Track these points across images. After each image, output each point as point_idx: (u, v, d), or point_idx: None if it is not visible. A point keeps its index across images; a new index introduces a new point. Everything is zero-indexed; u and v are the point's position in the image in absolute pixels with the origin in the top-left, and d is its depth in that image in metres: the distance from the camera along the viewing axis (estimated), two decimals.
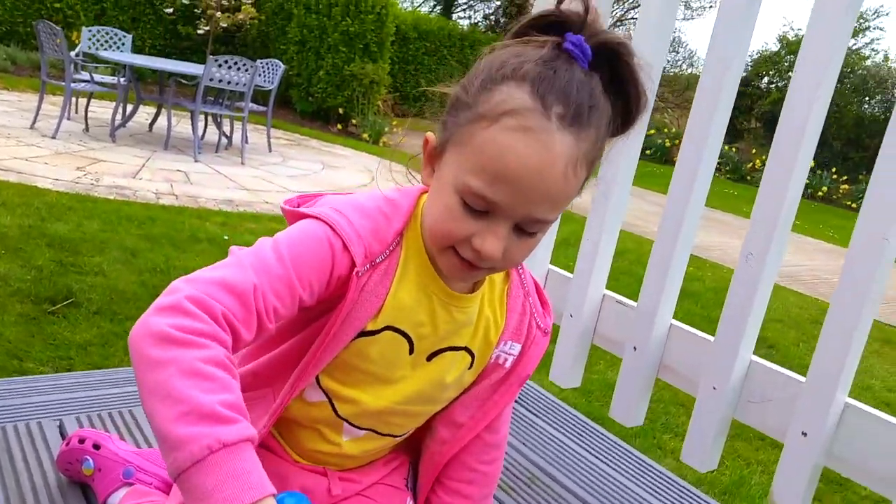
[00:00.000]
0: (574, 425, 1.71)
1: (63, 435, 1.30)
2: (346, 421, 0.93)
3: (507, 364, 0.94)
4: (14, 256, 3.23)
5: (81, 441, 1.17)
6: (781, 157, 1.23)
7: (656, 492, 1.49)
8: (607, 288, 1.59)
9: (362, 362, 0.88)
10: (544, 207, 0.76)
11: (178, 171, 5.53)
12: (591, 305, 1.58)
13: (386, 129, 9.70)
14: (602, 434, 1.69)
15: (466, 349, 0.92)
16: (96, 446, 1.17)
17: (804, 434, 1.22)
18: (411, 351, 0.89)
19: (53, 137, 5.69)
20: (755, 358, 1.33)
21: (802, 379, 1.24)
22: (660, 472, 1.57)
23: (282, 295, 0.77)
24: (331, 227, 0.81)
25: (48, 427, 1.31)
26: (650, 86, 0.81)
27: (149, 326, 0.70)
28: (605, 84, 0.77)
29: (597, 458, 1.57)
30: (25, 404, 1.48)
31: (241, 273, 0.75)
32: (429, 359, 0.90)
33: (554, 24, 0.77)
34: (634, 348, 1.46)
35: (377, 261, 0.84)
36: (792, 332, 4.63)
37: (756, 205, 1.27)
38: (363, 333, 0.86)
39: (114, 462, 1.15)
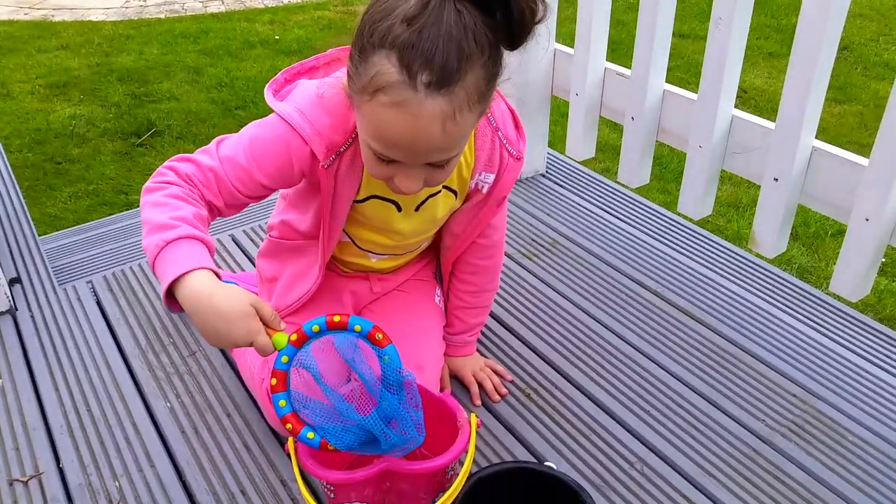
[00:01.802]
0: (590, 186, 1.90)
1: None
2: (367, 251, 1.18)
3: (485, 190, 1.12)
4: (92, 98, 3.52)
5: None
6: None
7: (668, 240, 1.70)
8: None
9: (364, 219, 1.10)
10: (439, 155, 0.87)
11: None
12: (594, 80, 1.68)
13: None
14: (617, 191, 1.88)
15: (446, 188, 1.09)
16: None
17: (776, 179, 1.36)
18: (399, 209, 1.09)
19: None
20: (736, 112, 1.44)
21: (773, 126, 1.36)
22: (671, 220, 1.77)
23: (242, 179, 0.99)
24: (296, 132, 0.96)
25: None
26: None
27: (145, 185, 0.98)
28: (490, 4, 0.80)
29: (613, 215, 1.78)
30: (136, 242, 1.81)
31: (209, 157, 0.99)
32: (416, 209, 1.10)
33: None
34: (633, 118, 1.59)
35: (341, 150, 0.98)
36: (872, 25, 4.40)
37: None
38: (357, 201, 1.06)
39: None
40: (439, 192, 1.09)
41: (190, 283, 0.85)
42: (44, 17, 4.57)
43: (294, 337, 0.87)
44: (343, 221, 1.08)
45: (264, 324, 0.87)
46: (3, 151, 2.14)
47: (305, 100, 0.99)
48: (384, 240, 1.14)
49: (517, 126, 1.11)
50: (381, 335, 0.87)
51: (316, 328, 0.87)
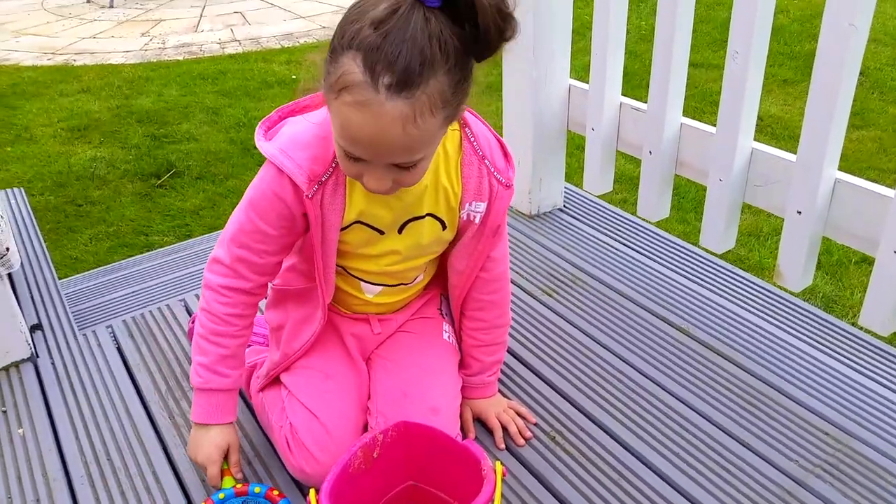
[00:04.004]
0: (609, 220, 1.88)
1: (188, 311, 1.62)
2: (360, 279, 1.18)
3: (477, 220, 1.12)
4: (112, 140, 3.57)
5: None
6: None
7: (691, 273, 1.68)
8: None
9: (348, 247, 1.11)
10: (402, 156, 0.89)
11: (235, 12, 5.61)
12: (610, 114, 1.68)
13: None
14: (637, 224, 1.86)
15: (431, 216, 1.10)
16: None
17: (799, 212, 1.34)
18: (381, 233, 1.10)
19: (111, 7, 5.84)
20: (756, 145, 1.43)
21: (794, 158, 1.34)
22: (693, 254, 1.75)
23: (259, 240, 1.08)
24: (276, 167, 1.02)
25: (176, 307, 1.63)
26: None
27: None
28: (459, 15, 0.83)
29: (633, 249, 1.76)
30: (156, 285, 1.82)
31: (225, 251, 1.10)
32: (399, 231, 1.10)
33: None
34: (650, 152, 1.58)
35: (323, 179, 1.02)
36: (887, 50, 4.38)
37: (735, 1, 1.31)
38: (341, 229, 1.08)
39: None
40: (423, 217, 1.10)
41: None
42: (66, 61, 4.67)
43: (239, 486, 1.09)
44: (334, 251, 1.09)
45: (228, 463, 1.12)
46: (25, 196, 2.17)
47: (287, 137, 1.04)
48: (371, 266, 1.15)
49: (506, 154, 1.13)
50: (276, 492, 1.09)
51: (258, 489, 1.08)
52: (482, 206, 1.11)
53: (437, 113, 0.86)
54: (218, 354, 1.11)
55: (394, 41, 0.81)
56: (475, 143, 1.08)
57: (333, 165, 1.02)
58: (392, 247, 1.12)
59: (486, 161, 1.09)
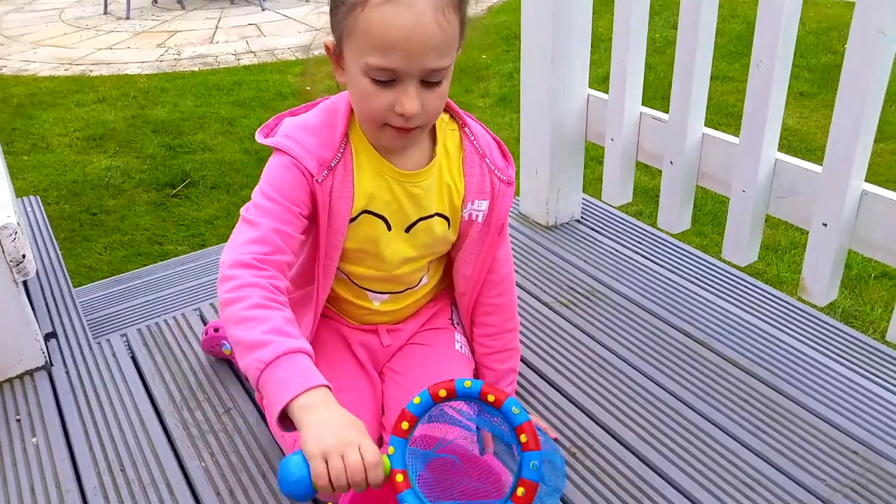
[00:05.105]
0: (627, 232, 1.86)
1: (203, 320, 1.61)
2: (367, 290, 1.17)
3: (480, 219, 1.13)
4: (128, 149, 3.58)
5: (216, 330, 1.45)
6: None
7: (711, 286, 1.65)
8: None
9: (356, 244, 1.10)
10: (434, 57, 0.91)
11: (250, 24, 5.63)
12: (630, 124, 1.66)
13: None
14: (656, 236, 1.84)
15: (438, 214, 1.11)
16: None
17: (824, 225, 1.32)
18: (389, 227, 1.09)
19: (128, 18, 5.89)
20: (780, 155, 1.40)
21: (820, 169, 1.32)
22: (714, 266, 1.72)
23: (289, 220, 1.01)
24: (286, 153, 1.01)
25: (191, 316, 1.62)
26: None
27: (219, 297, 0.96)
28: None
29: (652, 261, 1.74)
30: (170, 295, 1.81)
31: (255, 227, 0.99)
32: (407, 230, 1.10)
33: None
34: (671, 162, 1.56)
35: (332, 164, 1.03)
36: None
37: (759, 9, 1.29)
38: (350, 220, 1.07)
39: None
40: (432, 216, 1.10)
41: (304, 398, 0.84)
42: (82, 71, 4.70)
43: (391, 451, 0.84)
44: (340, 244, 1.08)
45: None
46: (41, 204, 2.17)
47: (290, 127, 1.05)
48: (376, 272, 1.14)
49: (504, 154, 1.15)
50: (492, 396, 0.84)
51: (417, 400, 0.85)
52: (484, 205, 1.12)
53: (457, 12, 0.91)
54: (282, 318, 0.91)
55: None
56: (475, 142, 1.11)
57: (342, 151, 1.03)
58: (399, 246, 1.11)
59: (486, 160, 1.11)
